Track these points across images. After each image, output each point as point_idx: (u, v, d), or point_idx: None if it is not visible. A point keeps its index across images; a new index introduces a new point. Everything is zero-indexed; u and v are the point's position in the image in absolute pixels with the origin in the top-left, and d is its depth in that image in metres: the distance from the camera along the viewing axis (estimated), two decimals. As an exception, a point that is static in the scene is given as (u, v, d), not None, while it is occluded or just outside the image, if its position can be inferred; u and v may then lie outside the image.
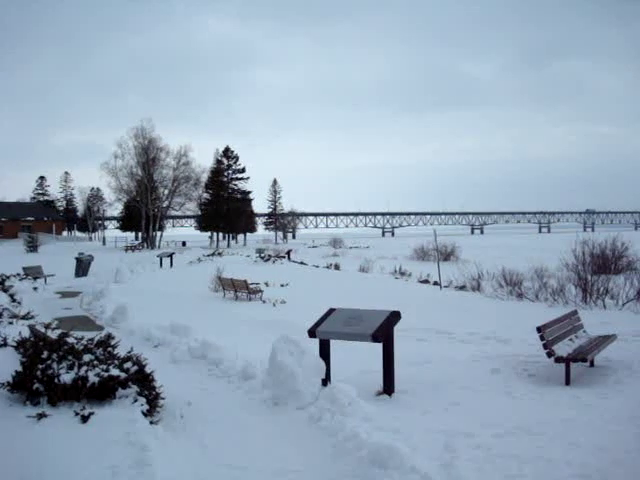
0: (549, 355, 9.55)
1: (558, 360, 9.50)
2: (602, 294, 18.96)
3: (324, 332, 9.00)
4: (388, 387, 8.84)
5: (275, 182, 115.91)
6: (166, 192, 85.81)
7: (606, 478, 5.97)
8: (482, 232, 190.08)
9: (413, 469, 5.86)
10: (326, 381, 8.62)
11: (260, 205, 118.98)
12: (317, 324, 9.20)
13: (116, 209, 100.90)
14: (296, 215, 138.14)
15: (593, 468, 6.17)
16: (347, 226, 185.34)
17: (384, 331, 8.58)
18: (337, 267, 37.98)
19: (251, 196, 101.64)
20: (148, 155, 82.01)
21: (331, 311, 9.50)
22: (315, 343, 9.30)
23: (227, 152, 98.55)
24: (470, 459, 6.40)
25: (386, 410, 8.10)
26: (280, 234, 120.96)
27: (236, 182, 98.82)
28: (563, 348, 9.79)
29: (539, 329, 9.62)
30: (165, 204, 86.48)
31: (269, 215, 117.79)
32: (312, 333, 9.11)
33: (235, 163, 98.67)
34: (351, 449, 6.59)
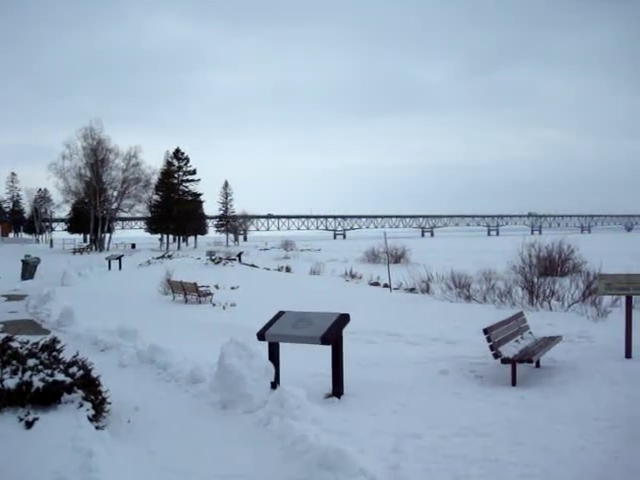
0: (496, 356, 9.68)
1: (504, 361, 9.64)
2: (548, 296, 19.31)
3: (273, 335, 8.99)
4: (337, 389, 8.85)
5: (226, 184, 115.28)
6: (115, 194, 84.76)
7: (551, 477, 6.07)
8: (432, 235, 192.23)
9: (361, 471, 5.88)
10: (275, 384, 8.60)
11: (211, 207, 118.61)
12: (266, 327, 9.17)
13: (64, 211, 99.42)
14: (247, 217, 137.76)
15: (538, 468, 6.26)
16: (299, 228, 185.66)
17: (333, 334, 8.60)
18: (288, 270, 37.98)
19: (202, 198, 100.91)
20: (97, 156, 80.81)
21: (280, 314, 9.49)
22: (265, 346, 9.27)
23: (178, 153, 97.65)
24: (418, 460, 6.45)
25: (335, 412, 8.11)
26: (231, 236, 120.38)
27: (187, 184, 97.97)
28: (509, 349, 9.93)
29: (485, 331, 9.75)
30: (114, 206, 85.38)
31: (220, 217, 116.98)
32: (261, 336, 9.09)
33: (186, 165, 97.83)
34: (300, 452, 6.57)
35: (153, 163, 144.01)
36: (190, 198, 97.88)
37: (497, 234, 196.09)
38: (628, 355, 11.63)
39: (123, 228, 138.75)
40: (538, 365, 10.84)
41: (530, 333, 11.47)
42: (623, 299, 12.61)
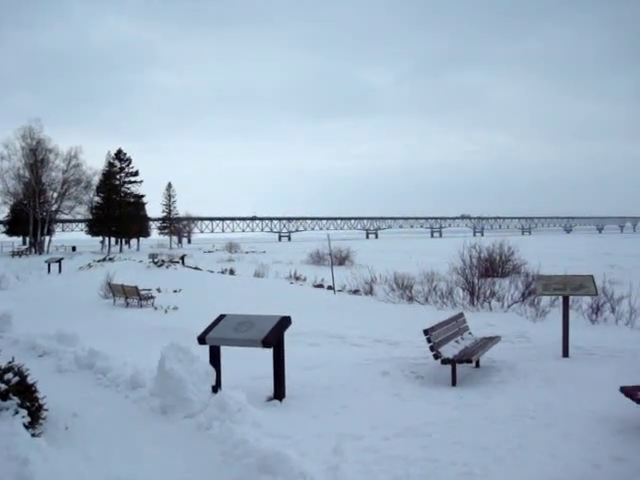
0: (436, 357, 9.79)
1: (444, 362, 9.75)
2: (488, 297, 19.62)
3: (214, 338, 8.92)
4: (279, 392, 8.83)
5: (170, 186, 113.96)
6: (55, 195, 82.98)
7: (488, 475, 6.15)
8: (377, 237, 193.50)
9: (301, 474, 5.87)
10: (216, 388, 8.53)
11: (154, 209, 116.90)
12: (207, 331, 9.10)
13: (2, 212, 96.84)
14: (191, 219, 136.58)
15: (477, 467, 6.34)
16: (244, 231, 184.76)
17: (274, 336, 8.57)
18: (232, 272, 37.74)
19: (145, 200, 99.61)
20: (36, 157, 78.95)
21: (221, 317, 9.42)
22: (206, 350, 9.19)
23: (120, 154, 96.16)
24: (358, 461, 6.46)
25: (277, 415, 8.09)
26: (175, 239, 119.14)
27: (129, 185, 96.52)
28: (449, 350, 10.06)
29: (426, 332, 9.85)
30: (54, 207, 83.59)
31: (163, 219, 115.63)
32: (202, 340, 9.00)
33: (128, 166, 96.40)
34: (240, 456, 6.53)
35: (95, 164, 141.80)
36: (132, 200, 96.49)
37: (440, 236, 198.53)
38: (565, 354, 11.89)
39: (64, 230, 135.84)
40: (478, 365, 11.00)
41: (470, 334, 11.64)
42: (561, 299, 12.88)
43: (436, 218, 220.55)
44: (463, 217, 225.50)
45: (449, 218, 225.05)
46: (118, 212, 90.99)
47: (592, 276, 12.77)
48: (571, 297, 16.72)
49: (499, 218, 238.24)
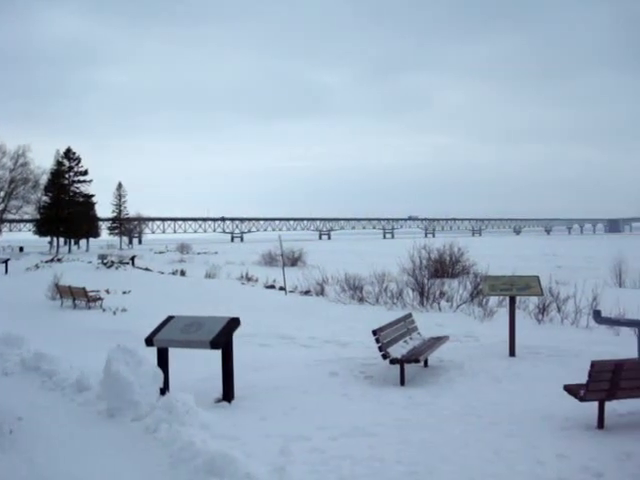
0: (384, 357, 9.86)
1: (393, 362, 9.83)
2: (438, 297, 19.83)
3: (162, 340, 8.83)
4: (228, 394, 8.79)
5: (120, 185, 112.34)
6: (2, 194, 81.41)
7: (433, 474, 6.22)
8: (329, 238, 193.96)
9: (247, 475, 5.86)
10: (164, 390, 8.45)
11: (104, 209, 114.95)
12: (154, 332, 9.01)
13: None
14: (142, 220, 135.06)
15: (422, 465, 6.41)
16: (196, 231, 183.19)
17: (223, 338, 8.54)
18: (183, 273, 37.41)
19: (94, 199, 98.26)
20: (-19, 155, 77.46)
21: (169, 318, 9.34)
22: (155, 352, 9.10)
23: (69, 153, 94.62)
24: (305, 462, 6.47)
25: (225, 417, 8.05)
26: (125, 239, 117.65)
27: (78, 185, 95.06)
28: (398, 350, 10.14)
29: (375, 332, 9.91)
30: (1, 207, 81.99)
31: (113, 219, 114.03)
32: (149, 341, 8.91)
33: (77, 165, 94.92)
34: (187, 459, 6.48)
35: (43, 163, 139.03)
36: (81, 199, 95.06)
37: (392, 237, 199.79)
38: (512, 353, 12.09)
39: (11, 230, 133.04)
40: (426, 365, 11.10)
41: (419, 334, 11.75)
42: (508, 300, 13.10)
43: (388, 219, 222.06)
44: (410, 218, 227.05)
45: (401, 219, 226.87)
46: (67, 212, 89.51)
47: (538, 277, 13.00)
48: (518, 297, 17.09)
49: (450, 219, 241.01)
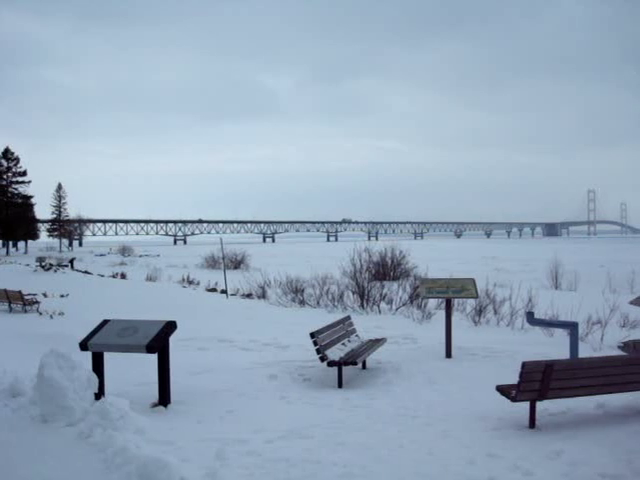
0: (322, 360, 9.90)
1: (331, 364, 9.88)
2: (378, 300, 19.99)
3: (96, 344, 8.70)
4: (164, 398, 8.71)
5: (60, 187, 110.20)
6: None
7: (368, 475, 6.28)
8: (274, 241, 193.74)
9: (181, 480, 5.82)
10: (99, 395, 8.33)
11: (44, 211, 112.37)
12: (89, 336, 8.86)
13: None
14: (83, 221, 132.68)
15: (357, 467, 6.46)
16: (138, 234, 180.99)
17: (159, 342, 8.46)
18: (123, 276, 36.93)
19: (33, 201, 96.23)
20: None
21: (105, 322, 9.20)
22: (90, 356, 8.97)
23: (7, 154, 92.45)
24: (241, 466, 6.47)
25: (161, 422, 7.97)
26: (65, 241, 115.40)
27: (16, 186, 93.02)
28: (336, 352, 10.19)
29: (312, 335, 9.95)
30: None
31: (53, 221, 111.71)
32: (84, 346, 8.77)
33: (16, 165, 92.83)
34: (120, 464, 6.39)
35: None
36: (20, 201, 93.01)
37: (336, 240, 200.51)
38: (448, 355, 12.29)
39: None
40: (364, 367, 11.20)
41: (357, 336, 11.83)
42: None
43: (332, 222, 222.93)
44: (344, 221, 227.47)
45: (345, 222, 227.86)
46: (4, 213, 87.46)
47: (473, 279, 13.23)
48: (457, 300, 17.37)
49: (393, 223, 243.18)
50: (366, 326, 14.68)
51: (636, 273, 28.85)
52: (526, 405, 7.87)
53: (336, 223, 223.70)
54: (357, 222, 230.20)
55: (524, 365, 7.56)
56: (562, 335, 13.99)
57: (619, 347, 13.04)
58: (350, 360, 9.92)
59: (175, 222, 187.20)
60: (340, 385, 9.92)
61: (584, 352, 11.77)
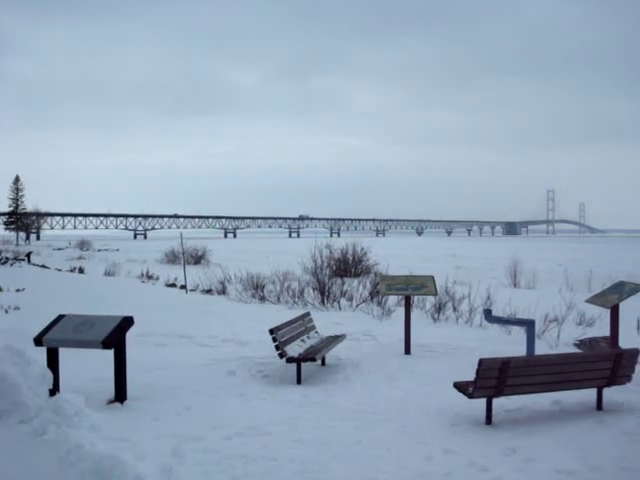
0: (281, 356, 9.88)
1: (289, 360, 9.86)
2: (338, 296, 20.02)
3: (51, 340, 8.55)
4: (120, 394, 8.60)
5: (17, 179, 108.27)
6: None
7: (325, 471, 6.29)
8: (235, 236, 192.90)
9: (137, 477, 5.76)
10: (54, 391, 8.18)
11: (1, 204, 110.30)
12: (44, 332, 8.70)
13: None
14: (41, 215, 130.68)
15: (314, 463, 6.48)
16: (97, 228, 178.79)
17: (115, 337, 8.35)
18: (82, 271, 36.39)
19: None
20: None
21: (60, 317, 9.05)
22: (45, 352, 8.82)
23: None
24: (197, 462, 6.43)
25: (116, 418, 7.88)
26: (22, 235, 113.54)
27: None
28: (295, 349, 10.18)
29: (271, 331, 9.92)
30: None
31: (10, 214, 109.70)
32: (38, 341, 8.61)
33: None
34: (75, 461, 6.31)
35: None
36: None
37: (298, 236, 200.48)
38: (407, 352, 12.36)
39: None
40: (324, 363, 11.21)
41: (316, 332, 11.83)
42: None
43: (294, 218, 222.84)
44: (301, 217, 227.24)
45: (307, 219, 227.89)
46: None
47: (433, 277, 13.33)
48: (417, 297, 17.47)
49: (355, 220, 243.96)
50: (326, 322, 14.67)
51: (593, 272, 29.31)
52: (483, 402, 7.95)
53: (297, 219, 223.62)
54: (314, 218, 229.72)
55: (481, 362, 7.63)
56: (520, 332, 14.14)
57: (575, 345, 13.23)
58: (309, 356, 9.92)
59: (135, 216, 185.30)
60: (299, 381, 9.90)
61: (541, 349, 11.91)
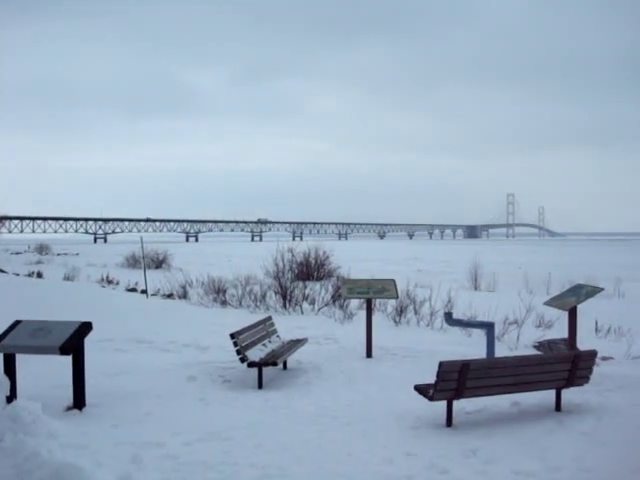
0: (242, 360, 9.83)
1: (251, 365, 9.83)
2: (300, 300, 20.00)
3: (8, 346, 8.41)
4: (79, 401, 8.49)
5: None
6: None
7: (286, 476, 6.28)
8: (197, 240, 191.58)
9: (95, 485, 5.68)
10: (11, 398, 8.04)
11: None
12: (0, 338, 8.57)
13: None
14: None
15: (275, 468, 6.46)
16: (56, 231, 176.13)
17: (73, 343, 8.24)
18: (40, 275, 35.82)
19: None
20: None
21: (17, 323, 8.91)
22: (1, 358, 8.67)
23: None
24: (156, 469, 6.38)
25: (75, 425, 7.76)
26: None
27: None
28: (256, 353, 10.13)
29: (232, 335, 9.87)
30: None
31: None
32: (-6, 347, 8.47)
33: None
34: (32, 469, 6.19)
35: None
36: None
37: (260, 240, 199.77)
38: (369, 355, 12.39)
39: None
40: (285, 367, 11.19)
41: (278, 336, 11.80)
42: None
43: (256, 222, 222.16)
44: (260, 221, 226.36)
45: (269, 222, 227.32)
46: None
47: (394, 280, 13.40)
48: (379, 300, 17.54)
49: (318, 223, 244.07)
50: (288, 326, 14.65)
51: (552, 275, 29.71)
52: (443, 404, 8.00)
53: (261, 223, 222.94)
54: (274, 222, 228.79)
55: (441, 365, 7.69)
56: (480, 335, 14.26)
57: (534, 346, 13.41)
58: (270, 361, 9.89)
59: (95, 220, 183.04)
60: (260, 386, 9.87)
61: (501, 351, 12.03)
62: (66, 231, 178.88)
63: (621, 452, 7.02)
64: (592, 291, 11.92)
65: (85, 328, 8.51)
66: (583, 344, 11.53)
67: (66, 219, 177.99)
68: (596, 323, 15.60)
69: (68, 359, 8.67)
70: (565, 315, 12.09)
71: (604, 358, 12.06)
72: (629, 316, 17.40)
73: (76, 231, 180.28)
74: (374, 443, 7.31)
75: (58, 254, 72.12)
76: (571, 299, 11.87)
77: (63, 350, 8.15)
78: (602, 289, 12.42)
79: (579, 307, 11.83)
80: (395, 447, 7.14)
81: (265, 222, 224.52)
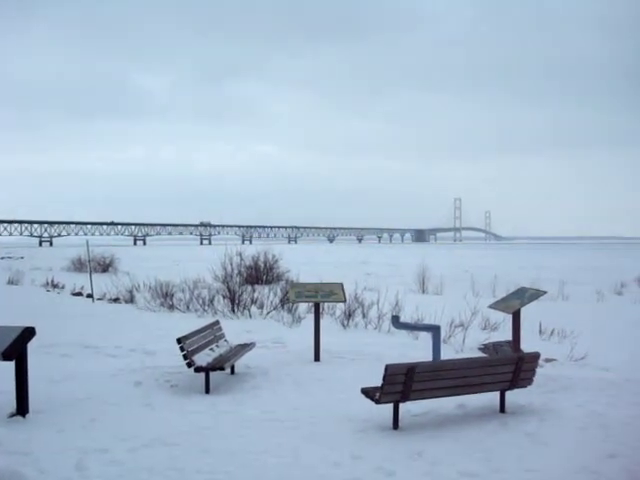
0: (189, 365, 9.76)
1: (198, 370, 9.76)
2: (249, 304, 19.95)
3: (-53, 352, 8.22)
4: (22, 408, 8.33)
5: None
6: None
7: (232, 480, 6.28)
8: (145, 243, 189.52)
9: (37, 493, 5.60)
10: (-50, 406, 7.88)
11: None
12: (-61, 344, 8.36)
13: None
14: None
15: (222, 473, 6.47)
16: (0, 234, 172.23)
17: (16, 348, 8.08)
18: (-18, 279, 35.01)
19: None
20: None
21: (-43, 329, 8.71)
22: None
23: None
24: (101, 475, 6.32)
25: (18, 432, 7.63)
26: None
27: None
28: (203, 358, 10.06)
29: (179, 340, 9.80)
30: None
31: None
32: None
33: None
34: (-28, 478, 6.10)
35: None
36: None
37: (209, 243, 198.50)
38: (317, 358, 12.44)
39: None
40: (233, 372, 11.16)
41: (226, 341, 11.75)
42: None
43: (205, 225, 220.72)
44: (202, 224, 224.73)
45: (219, 226, 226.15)
46: None
47: (341, 284, 13.47)
48: (327, 304, 17.61)
49: (267, 227, 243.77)
50: (236, 330, 14.60)
51: (498, 278, 30.20)
52: (390, 407, 8.08)
53: (210, 226, 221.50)
54: (221, 225, 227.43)
55: (387, 368, 7.76)
56: (427, 338, 14.40)
57: (479, 349, 13.61)
58: (218, 365, 9.84)
59: (41, 223, 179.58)
60: (207, 391, 9.82)
61: (447, 354, 12.20)
62: (10, 234, 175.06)
63: (564, 452, 7.18)
64: (535, 294, 12.17)
65: (28, 333, 8.34)
66: (527, 346, 11.75)
67: (10, 222, 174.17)
68: (540, 325, 15.90)
69: (10, 365, 8.51)
70: (510, 318, 12.32)
71: (548, 360, 12.33)
72: (572, 318, 17.80)
73: (21, 234, 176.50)
74: (321, 446, 7.34)
75: (2, 257, 70.47)
76: (515, 302, 12.10)
77: (5, 356, 7.98)
78: (545, 292, 12.70)
79: (523, 310, 12.06)
80: (342, 450, 7.19)
81: (208, 225, 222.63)
